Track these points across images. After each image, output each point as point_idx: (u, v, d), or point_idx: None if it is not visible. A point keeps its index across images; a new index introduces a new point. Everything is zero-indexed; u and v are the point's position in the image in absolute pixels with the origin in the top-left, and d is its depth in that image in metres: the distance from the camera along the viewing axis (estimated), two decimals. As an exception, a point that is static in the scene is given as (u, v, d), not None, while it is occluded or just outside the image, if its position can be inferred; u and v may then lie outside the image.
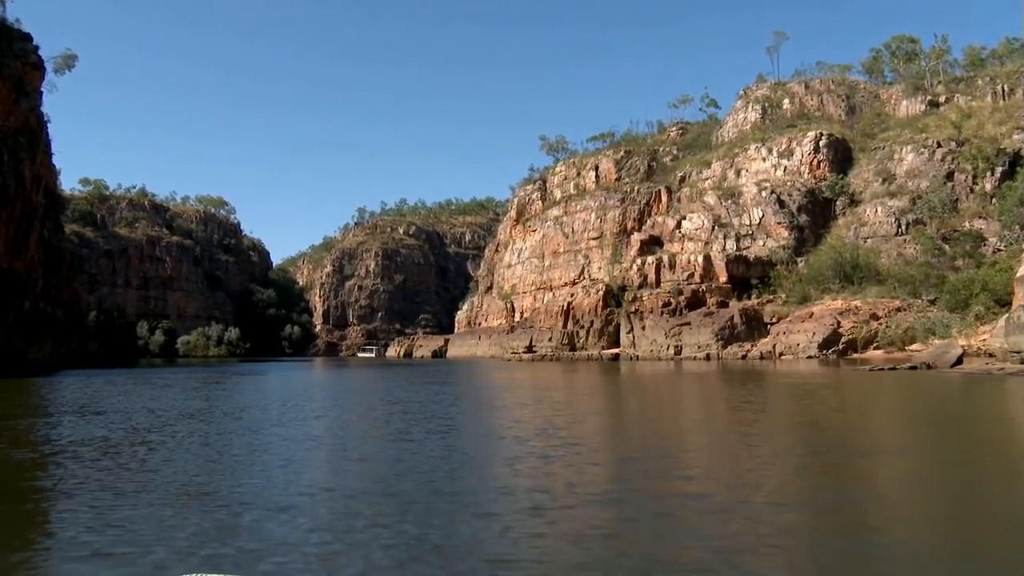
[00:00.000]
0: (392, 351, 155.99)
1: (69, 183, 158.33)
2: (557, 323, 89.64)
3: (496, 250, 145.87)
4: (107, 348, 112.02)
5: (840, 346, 61.62)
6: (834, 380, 32.29)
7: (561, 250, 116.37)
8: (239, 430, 16.06)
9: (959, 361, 32.90)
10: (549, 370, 54.60)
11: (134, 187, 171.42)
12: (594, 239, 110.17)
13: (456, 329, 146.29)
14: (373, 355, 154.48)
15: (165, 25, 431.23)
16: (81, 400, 24.87)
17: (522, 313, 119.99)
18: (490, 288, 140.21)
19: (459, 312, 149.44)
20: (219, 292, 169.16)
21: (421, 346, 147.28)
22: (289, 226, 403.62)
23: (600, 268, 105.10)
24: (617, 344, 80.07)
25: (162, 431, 15.52)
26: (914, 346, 57.93)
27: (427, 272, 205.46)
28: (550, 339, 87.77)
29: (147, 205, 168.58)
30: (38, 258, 65.07)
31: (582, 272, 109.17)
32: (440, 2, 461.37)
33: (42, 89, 74.17)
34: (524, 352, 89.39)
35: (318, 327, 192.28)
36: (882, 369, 33.15)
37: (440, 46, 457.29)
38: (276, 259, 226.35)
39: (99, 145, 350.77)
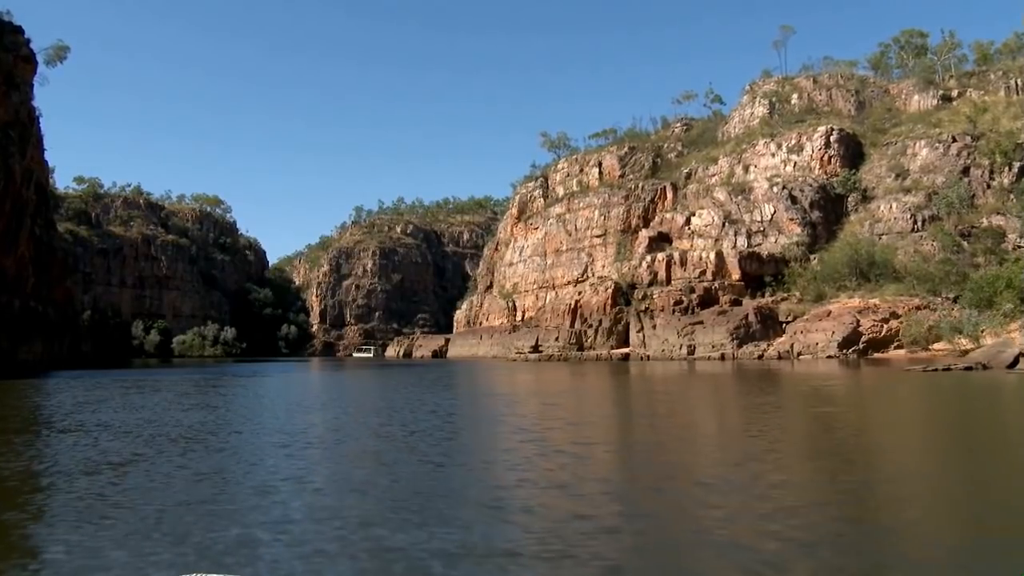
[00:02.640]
0: (391, 351, 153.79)
1: (64, 182, 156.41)
2: (564, 322, 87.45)
3: (496, 248, 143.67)
4: (101, 348, 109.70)
5: (860, 345, 59.74)
6: (885, 384, 29.19)
7: (564, 248, 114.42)
8: (244, 467, 11.22)
9: (1016, 361, 30.93)
10: (564, 371, 52.34)
11: (129, 185, 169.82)
12: (598, 236, 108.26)
13: (455, 329, 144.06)
14: (371, 355, 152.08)
15: (162, 26, 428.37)
16: (51, 410, 21.71)
17: (524, 312, 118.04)
18: (490, 287, 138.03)
19: (458, 312, 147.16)
20: (215, 291, 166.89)
21: (421, 346, 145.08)
22: (286, 225, 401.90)
23: (604, 266, 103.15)
24: (626, 343, 77.96)
25: (135, 466, 11.27)
26: (938, 345, 56.13)
27: (425, 271, 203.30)
28: (556, 339, 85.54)
29: (142, 203, 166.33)
30: (29, 255, 62.78)
31: (585, 270, 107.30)
32: (441, 4, 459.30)
33: (34, 83, 72.10)
34: (530, 352, 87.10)
35: (315, 327, 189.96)
36: (936, 370, 30.96)
37: (440, 47, 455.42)
38: (272, 258, 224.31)
39: (94, 145, 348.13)
